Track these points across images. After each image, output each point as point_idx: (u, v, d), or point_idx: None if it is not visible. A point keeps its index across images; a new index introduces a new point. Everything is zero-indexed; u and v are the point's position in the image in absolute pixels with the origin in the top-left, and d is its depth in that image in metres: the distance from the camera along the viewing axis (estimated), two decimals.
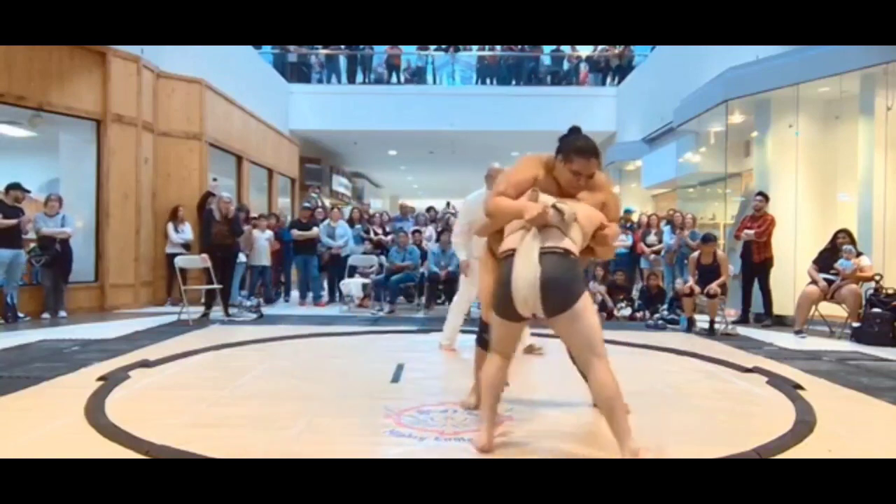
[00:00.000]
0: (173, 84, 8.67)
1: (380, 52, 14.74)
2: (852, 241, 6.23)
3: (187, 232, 8.31)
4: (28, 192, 6.75)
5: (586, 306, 2.41)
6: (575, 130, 2.76)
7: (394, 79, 14.86)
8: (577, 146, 2.67)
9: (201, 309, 7.06)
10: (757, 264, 6.96)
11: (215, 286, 6.96)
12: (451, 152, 16.62)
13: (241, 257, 8.08)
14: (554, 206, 2.48)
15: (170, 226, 8.28)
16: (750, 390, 3.76)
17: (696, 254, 6.74)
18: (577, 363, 2.69)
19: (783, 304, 7.01)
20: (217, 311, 7.09)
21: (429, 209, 11.58)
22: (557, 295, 2.37)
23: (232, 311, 7.26)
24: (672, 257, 8.42)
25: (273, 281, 9.31)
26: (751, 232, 6.91)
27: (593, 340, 2.39)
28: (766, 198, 7.06)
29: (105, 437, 2.64)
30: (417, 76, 15.02)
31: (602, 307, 7.82)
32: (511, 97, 14.47)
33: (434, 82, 15.20)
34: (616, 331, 6.34)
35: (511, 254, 2.48)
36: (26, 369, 4.02)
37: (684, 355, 4.94)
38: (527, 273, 2.39)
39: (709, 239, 6.64)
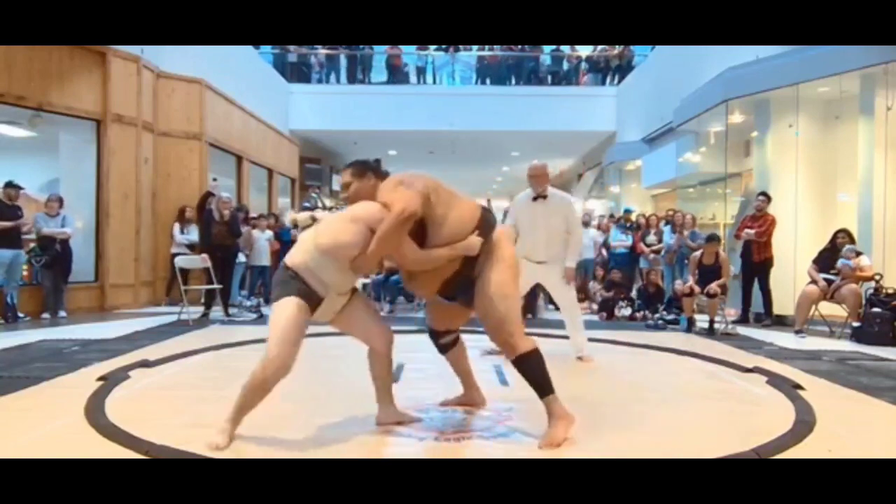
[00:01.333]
0: (173, 84, 8.67)
1: (380, 51, 14.73)
2: (852, 241, 6.22)
3: (193, 233, 8.30)
4: (21, 188, 6.73)
5: (276, 309, 2.58)
6: None
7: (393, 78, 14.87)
8: None
9: (201, 309, 7.05)
10: (757, 264, 6.95)
11: (215, 286, 6.96)
12: (451, 152, 16.61)
13: (241, 257, 8.07)
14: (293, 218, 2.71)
15: (175, 226, 8.26)
16: (750, 390, 3.75)
17: (697, 253, 6.73)
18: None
19: (783, 303, 7.01)
20: (217, 311, 7.09)
21: None
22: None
23: (232, 311, 7.26)
24: (672, 257, 8.41)
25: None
26: (751, 231, 6.90)
27: (272, 335, 2.54)
28: (768, 198, 7.05)
29: (105, 437, 2.63)
30: (398, 75, 14.88)
31: (603, 307, 7.81)
32: (511, 97, 14.45)
33: (434, 82, 15.19)
34: (616, 331, 6.34)
35: None
36: (26, 369, 4.02)
37: (684, 355, 4.94)
38: None
39: (713, 239, 6.64)
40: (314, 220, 2.67)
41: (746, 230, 6.97)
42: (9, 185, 6.58)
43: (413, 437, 2.71)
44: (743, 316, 7.14)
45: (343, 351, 5.03)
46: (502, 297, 2.67)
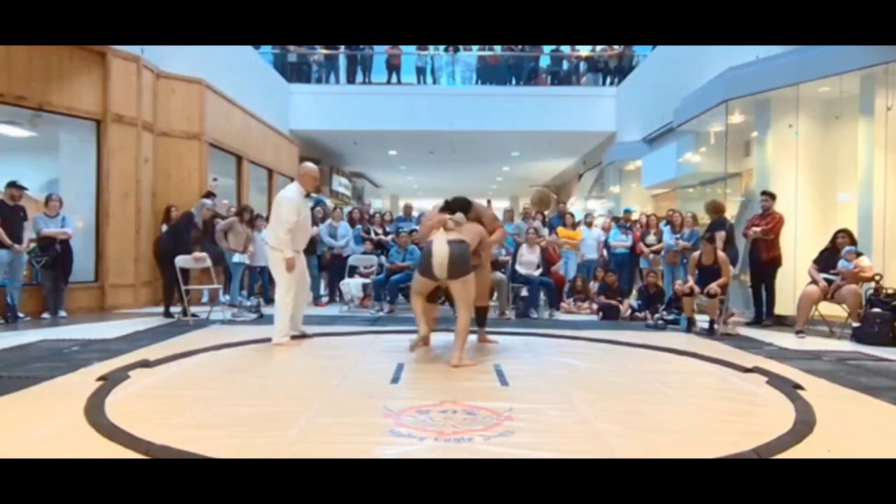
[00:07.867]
0: (173, 84, 8.67)
1: (380, 51, 14.72)
2: (853, 242, 6.21)
3: None
4: (24, 188, 6.73)
5: (471, 279, 4.36)
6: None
7: (393, 79, 14.86)
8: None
9: (205, 308, 7.04)
10: (765, 263, 6.87)
11: (192, 287, 6.93)
12: (451, 152, 16.61)
13: (243, 258, 8.07)
14: (450, 218, 4.50)
15: (164, 227, 8.26)
16: (750, 390, 3.75)
17: (697, 253, 6.73)
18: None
19: (783, 304, 7.00)
20: (217, 312, 7.06)
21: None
22: (456, 266, 4.28)
23: (232, 311, 7.26)
24: (675, 257, 8.37)
25: (273, 281, 9.28)
26: (758, 229, 6.83)
27: (469, 300, 4.40)
28: (772, 196, 7.00)
29: (105, 437, 2.63)
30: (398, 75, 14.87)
31: (604, 312, 7.75)
32: (511, 97, 14.45)
33: (434, 82, 15.20)
34: (616, 331, 6.34)
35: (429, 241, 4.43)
36: (26, 369, 4.02)
37: (684, 355, 4.94)
38: (441, 251, 4.25)
39: (712, 239, 6.62)
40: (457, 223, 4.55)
41: (753, 228, 6.89)
42: (12, 185, 6.56)
43: (413, 437, 2.71)
44: (757, 318, 6.93)
45: (344, 351, 5.04)
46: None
